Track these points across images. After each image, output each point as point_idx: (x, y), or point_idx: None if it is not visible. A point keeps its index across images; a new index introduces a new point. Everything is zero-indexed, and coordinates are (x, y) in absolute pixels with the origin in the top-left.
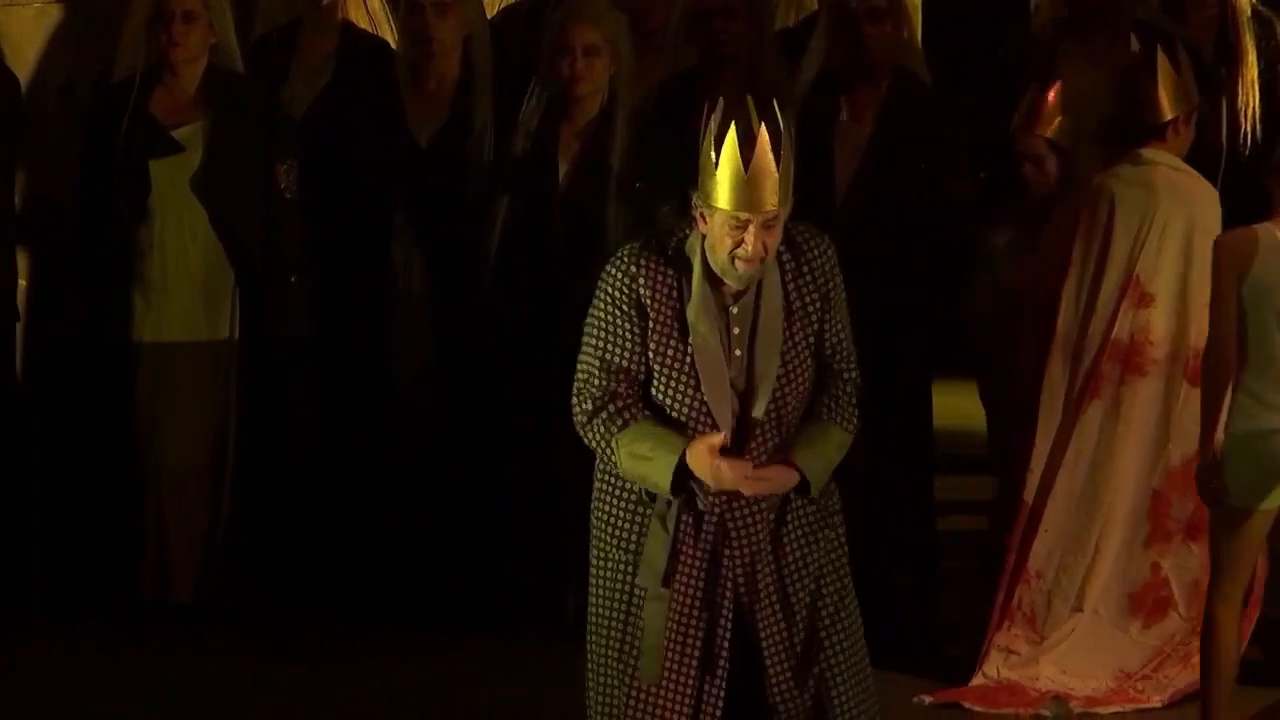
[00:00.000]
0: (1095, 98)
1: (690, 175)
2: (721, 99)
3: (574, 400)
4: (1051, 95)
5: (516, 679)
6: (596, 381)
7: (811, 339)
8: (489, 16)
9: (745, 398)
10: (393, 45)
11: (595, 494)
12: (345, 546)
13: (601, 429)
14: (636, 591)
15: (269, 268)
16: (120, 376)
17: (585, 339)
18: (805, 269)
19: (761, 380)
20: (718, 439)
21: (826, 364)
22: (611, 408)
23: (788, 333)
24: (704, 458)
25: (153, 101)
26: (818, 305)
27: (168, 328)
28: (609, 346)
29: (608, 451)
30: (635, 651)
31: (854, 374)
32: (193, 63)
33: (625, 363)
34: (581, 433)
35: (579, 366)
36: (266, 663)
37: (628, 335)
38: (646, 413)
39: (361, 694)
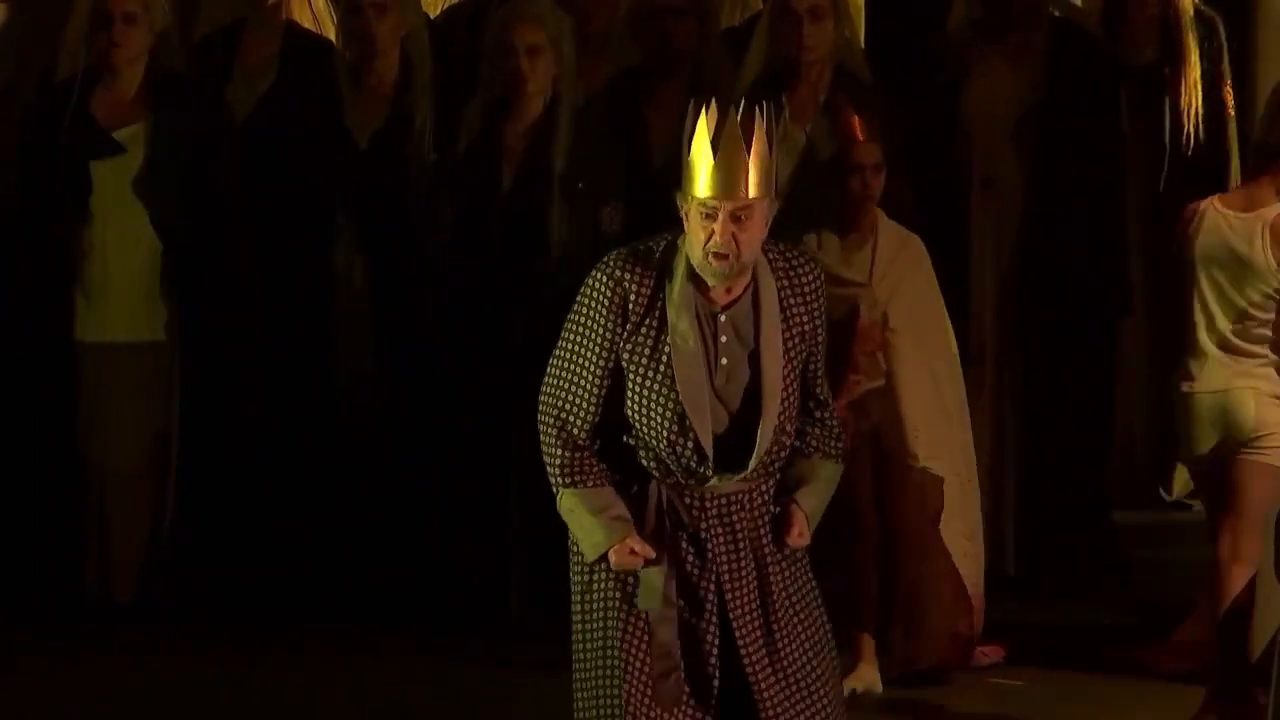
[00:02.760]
0: (1010, 98)
1: (632, 175)
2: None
3: (541, 401)
4: (868, 103)
5: (461, 677)
6: (564, 400)
7: (800, 361)
8: (433, 17)
9: (740, 410)
10: (336, 45)
11: None
12: (291, 547)
13: (560, 469)
14: (624, 612)
15: (210, 269)
16: (61, 377)
17: (561, 342)
18: (798, 289)
19: (768, 394)
20: (642, 552)
21: (810, 392)
22: (576, 456)
23: (785, 350)
24: (624, 557)
25: (94, 102)
26: (809, 328)
27: (109, 328)
28: (581, 356)
29: (556, 484)
30: (627, 668)
31: (830, 398)
32: (134, 64)
33: (595, 377)
34: (541, 434)
35: (551, 367)
36: (211, 663)
37: (603, 344)
38: (603, 468)
39: (305, 693)
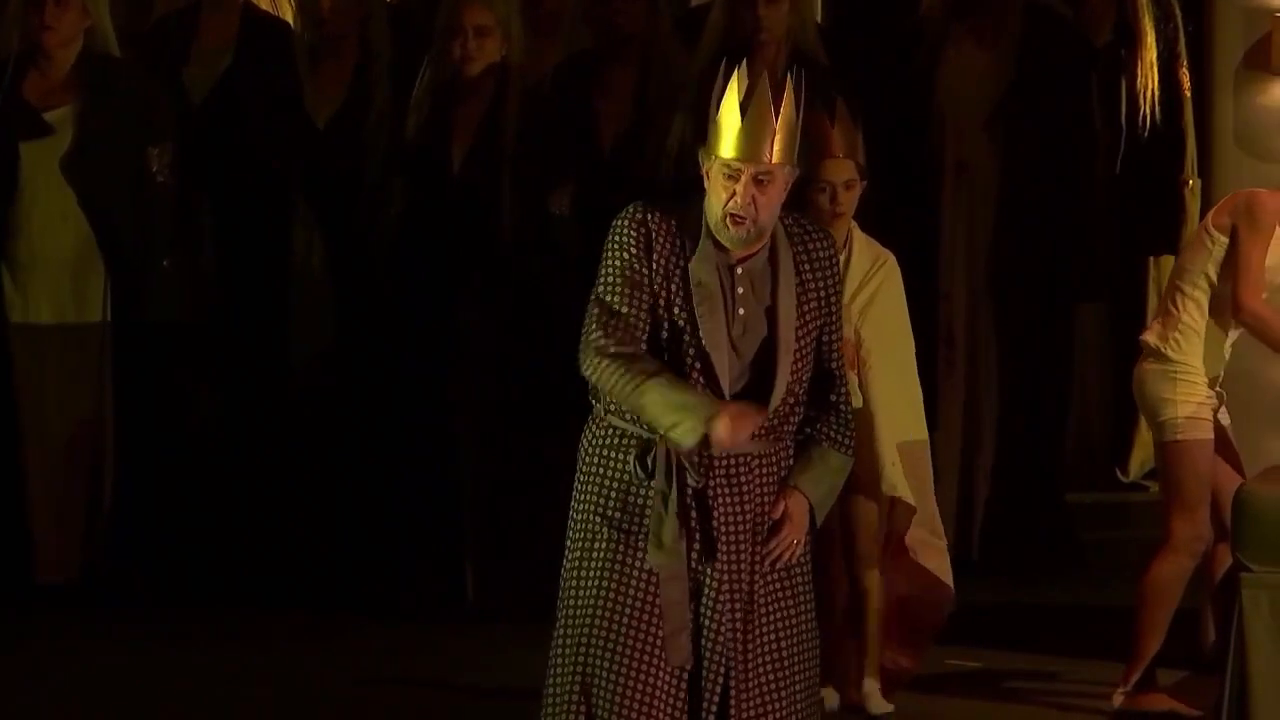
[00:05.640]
0: (983, 81)
1: (580, 157)
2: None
3: (592, 338)
4: (842, 116)
5: (416, 660)
6: (614, 328)
7: (817, 326)
8: None
9: (754, 364)
10: (293, 26)
11: (584, 471)
12: (245, 528)
13: (637, 368)
14: (633, 572)
15: (141, 252)
16: None
17: (603, 283)
18: (813, 257)
19: (782, 349)
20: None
21: (825, 367)
22: (642, 355)
23: (799, 309)
24: (740, 419)
25: (26, 84)
26: (823, 295)
27: (35, 309)
28: (627, 287)
29: (636, 383)
30: (629, 626)
31: (846, 381)
32: (66, 46)
33: (639, 309)
34: (597, 360)
35: (593, 311)
36: (158, 647)
37: (644, 274)
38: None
39: (257, 678)
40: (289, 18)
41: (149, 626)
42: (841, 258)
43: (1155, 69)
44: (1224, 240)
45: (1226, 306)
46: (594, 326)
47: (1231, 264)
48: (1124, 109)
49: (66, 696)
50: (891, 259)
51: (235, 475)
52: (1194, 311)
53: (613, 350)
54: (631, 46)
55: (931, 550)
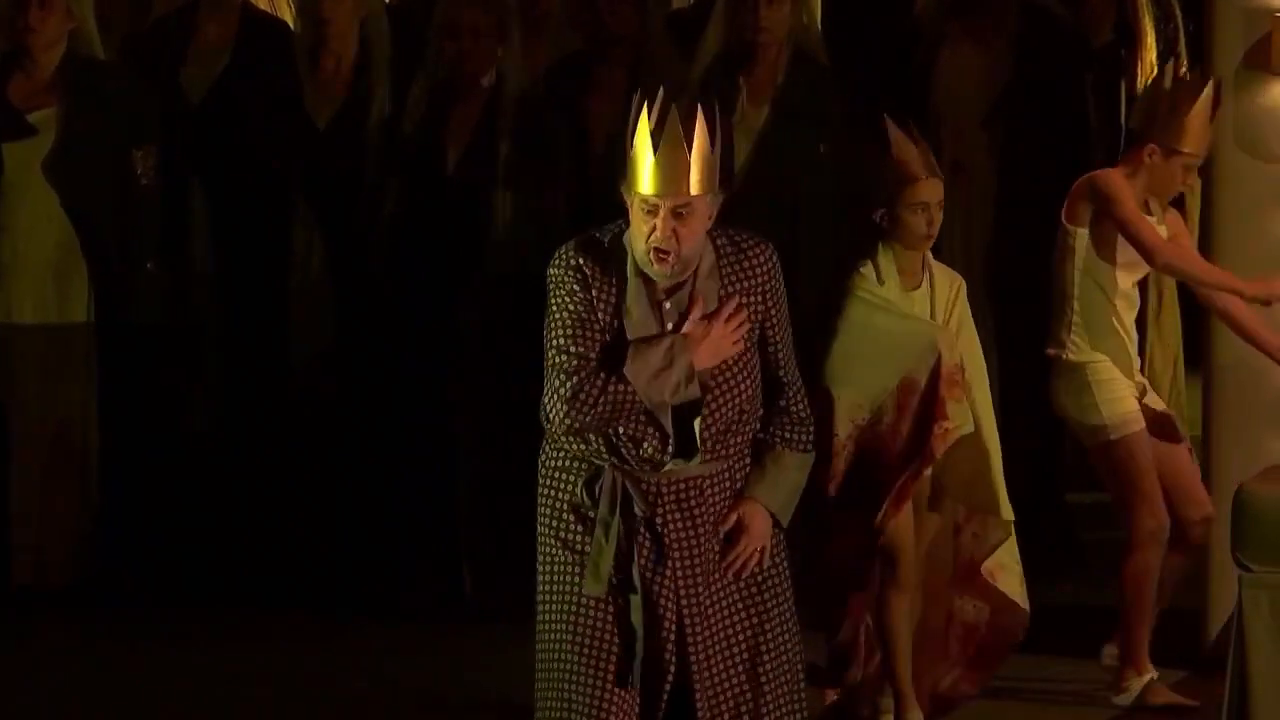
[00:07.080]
0: (980, 81)
1: (572, 159)
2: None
3: (554, 397)
4: (917, 136)
5: (416, 660)
6: (574, 370)
7: (753, 340)
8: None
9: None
10: (292, 26)
11: (540, 494)
12: (242, 529)
13: (597, 389)
14: (585, 595)
15: (125, 253)
16: None
17: (553, 331)
18: (745, 270)
19: (714, 370)
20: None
21: (772, 375)
22: (592, 376)
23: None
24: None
25: (10, 85)
26: (757, 308)
27: (18, 309)
28: (575, 334)
29: (616, 397)
30: (587, 653)
31: (799, 385)
32: (50, 48)
33: (591, 346)
34: (570, 416)
35: (552, 365)
36: (158, 647)
37: (592, 315)
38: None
39: (257, 678)
40: (288, 18)
41: (149, 626)
42: (924, 279)
43: (1155, 69)
44: (1083, 231)
45: (1109, 285)
46: (556, 381)
47: (1121, 234)
48: (1124, 109)
49: (66, 697)
50: (963, 283)
51: (235, 475)
52: (1081, 311)
53: (584, 392)
54: (623, 47)
55: (1006, 574)
